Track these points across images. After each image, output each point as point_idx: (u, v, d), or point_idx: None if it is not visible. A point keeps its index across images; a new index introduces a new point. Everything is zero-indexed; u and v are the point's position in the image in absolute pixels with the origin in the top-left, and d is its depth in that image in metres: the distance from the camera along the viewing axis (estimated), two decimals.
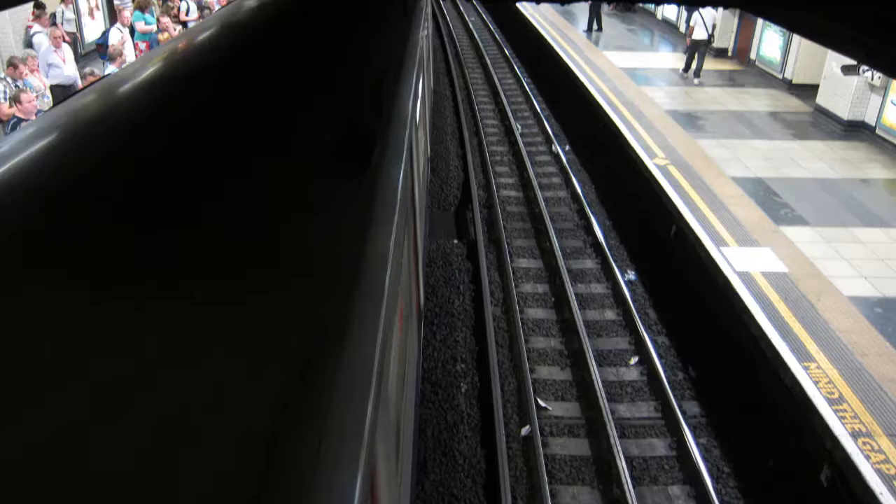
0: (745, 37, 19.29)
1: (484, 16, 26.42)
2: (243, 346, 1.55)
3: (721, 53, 19.91)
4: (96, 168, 2.29)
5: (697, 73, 17.47)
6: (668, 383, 7.19)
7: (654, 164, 11.12)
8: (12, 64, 9.54)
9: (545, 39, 19.71)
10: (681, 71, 17.85)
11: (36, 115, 8.30)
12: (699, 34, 17.13)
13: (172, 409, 1.33)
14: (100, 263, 1.74)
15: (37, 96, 9.01)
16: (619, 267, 9.40)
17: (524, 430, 6.74)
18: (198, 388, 1.41)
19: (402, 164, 2.85)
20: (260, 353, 1.55)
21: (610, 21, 23.94)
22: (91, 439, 1.24)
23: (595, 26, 22.11)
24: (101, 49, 12.01)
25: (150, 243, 1.84)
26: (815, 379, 6.36)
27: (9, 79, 9.34)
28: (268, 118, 2.88)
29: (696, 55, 17.39)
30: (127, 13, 12.76)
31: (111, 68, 10.30)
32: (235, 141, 2.59)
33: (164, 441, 1.25)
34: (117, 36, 11.78)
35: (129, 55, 11.23)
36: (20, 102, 8.39)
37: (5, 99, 8.85)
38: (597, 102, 14.26)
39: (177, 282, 1.70)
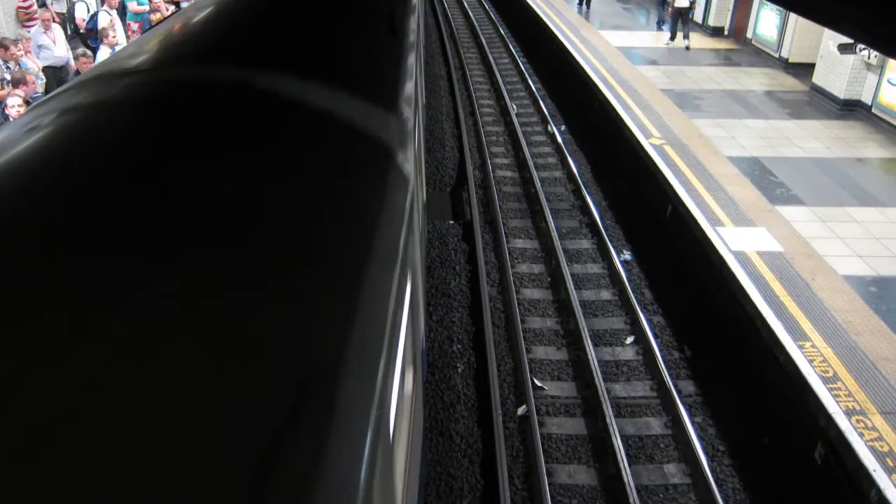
0: (741, 15, 19.21)
1: None
2: (242, 343, 1.54)
3: (717, 32, 19.83)
4: (94, 158, 2.28)
5: (686, 37, 17.68)
6: (664, 363, 7.23)
7: (649, 143, 11.11)
8: (3, 45, 9.45)
9: (541, 19, 19.60)
10: (667, 41, 17.95)
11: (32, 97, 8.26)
12: (680, 2, 17.46)
13: (165, 407, 1.33)
14: (97, 257, 1.73)
15: None
16: (614, 247, 9.42)
17: (521, 410, 6.78)
18: (195, 386, 1.41)
19: (399, 152, 2.82)
20: (260, 347, 1.55)
21: None
22: (84, 440, 1.23)
23: (584, 3, 22.04)
24: (91, 34, 11.92)
25: (144, 239, 1.83)
26: (810, 358, 6.40)
27: (0, 61, 9.27)
28: (259, 106, 2.85)
29: (681, 23, 17.63)
30: None
31: (104, 49, 10.22)
32: (228, 130, 2.56)
33: (158, 441, 1.25)
34: (106, 19, 11.69)
35: (120, 36, 11.13)
36: (25, 84, 8.33)
37: None
38: (593, 82, 14.21)
39: (172, 279, 1.69)
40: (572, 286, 8.45)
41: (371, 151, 2.65)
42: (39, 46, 10.77)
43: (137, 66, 3.26)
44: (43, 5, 12.88)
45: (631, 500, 5.69)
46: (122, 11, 12.95)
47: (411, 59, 4.14)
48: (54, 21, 11.78)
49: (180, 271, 1.69)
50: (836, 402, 5.90)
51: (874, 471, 5.27)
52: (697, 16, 20.77)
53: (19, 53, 9.53)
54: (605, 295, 8.62)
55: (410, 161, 2.69)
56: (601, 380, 6.92)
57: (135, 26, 12.76)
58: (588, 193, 10.83)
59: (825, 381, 6.13)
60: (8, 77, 8.99)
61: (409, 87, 3.61)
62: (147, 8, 13.23)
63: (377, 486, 1.45)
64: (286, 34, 4.05)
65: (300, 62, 3.48)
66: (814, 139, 12.33)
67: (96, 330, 1.52)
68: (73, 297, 1.61)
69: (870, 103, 13.73)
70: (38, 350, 1.54)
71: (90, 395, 1.33)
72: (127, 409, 1.32)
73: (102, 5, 12.44)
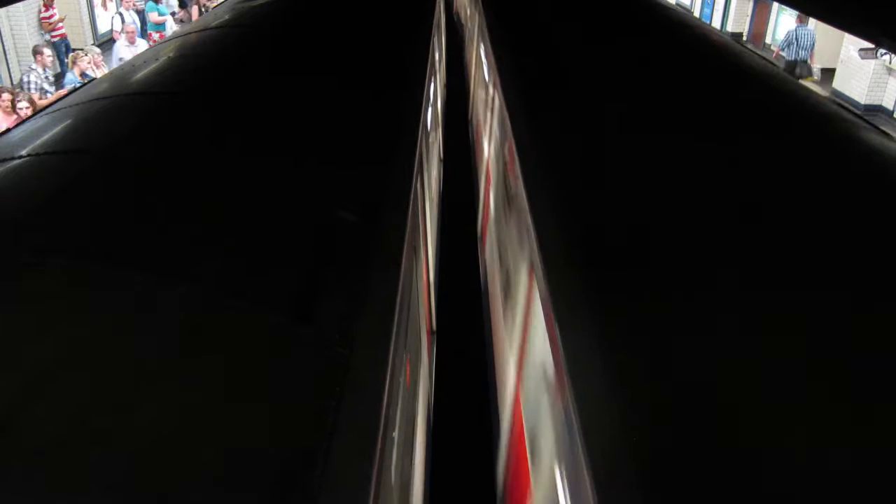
0: (760, 20, 19.10)
1: None
2: (251, 348, 1.55)
3: (736, 38, 19.74)
4: (104, 160, 2.30)
5: None
6: None
7: None
8: (38, 52, 9.58)
9: None
10: None
11: None
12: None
13: (177, 408, 1.33)
14: (102, 258, 1.74)
15: None
16: None
17: None
18: (207, 385, 1.41)
19: (413, 170, 2.79)
20: (266, 355, 1.55)
21: None
22: (98, 439, 1.24)
23: None
24: None
25: (144, 242, 1.84)
26: None
27: (39, 69, 9.33)
28: (273, 117, 2.85)
29: None
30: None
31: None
32: (238, 144, 2.56)
33: (168, 442, 1.26)
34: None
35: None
36: None
37: (36, 89, 8.87)
38: None
39: (180, 284, 1.69)
40: None
41: (373, 173, 2.64)
42: (120, 59, 10.95)
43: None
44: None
45: None
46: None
47: (426, 80, 4.11)
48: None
49: None
50: None
51: None
52: (716, 21, 20.69)
53: (86, 66, 9.67)
54: None
55: (411, 184, 2.67)
56: None
57: (156, 36, 12.95)
58: None
59: None
60: (46, 86, 9.09)
61: (423, 109, 3.58)
62: (168, 19, 13.45)
63: (384, 479, 1.45)
64: (299, 46, 4.07)
65: (311, 80, 3.48)
66: None
67: None
68: None
69: (892, 108, 13.57)
70: None
71: None
72: None
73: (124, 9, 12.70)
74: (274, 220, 2.10)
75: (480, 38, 6.77)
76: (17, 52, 13.41)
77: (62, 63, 14.45)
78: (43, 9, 13.84)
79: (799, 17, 13.18)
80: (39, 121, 2.83)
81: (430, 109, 4.53)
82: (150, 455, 1.22)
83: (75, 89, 3.48)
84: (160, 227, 1.91)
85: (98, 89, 3.17)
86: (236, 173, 2.31)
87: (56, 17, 14.09)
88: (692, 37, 4.75)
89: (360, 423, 1.42)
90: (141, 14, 16.44)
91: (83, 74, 9.46)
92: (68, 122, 2.68)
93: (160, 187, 2.14)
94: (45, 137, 2.50)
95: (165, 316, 1.57)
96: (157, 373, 1.40)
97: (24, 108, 7.68)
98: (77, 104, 2.91)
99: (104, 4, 16.59)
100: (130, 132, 2.53)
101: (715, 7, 21.09)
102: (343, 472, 1.29)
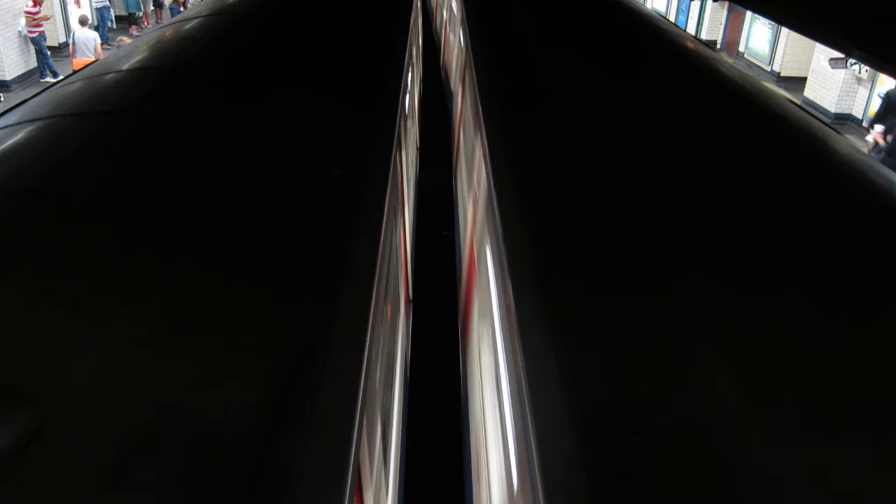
0: (733, 29, 19.35)
1: None
2: (226, 341, 1.55)
3: (710, 46, 19.97)
4: (82, 158, 2.28)
5: None
6: None
7: None
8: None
9: None
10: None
11: None
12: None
13: (151, 396, 1.33)
14: (81, 259, 1.73)
15: None
16: None
17: None
18: (185, 382, 1.42)
19: (391, 156, 2.83)
20: (242, 347, 1.56)
21: None
22: (72, 434, 1.23)
23: None
24: None
25: (133, 238, 1.84)
26: None
27: None
28: (252, 109, 2.86)
29: None
30: None
31: None
32: (219, 134, 2.57)
33: (142, 433, 1.26)
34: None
35: None
36: None
37: None
38: None
39: (163, 275, 1.69)
40: None
41: (352, 159, 2.67)
42: None
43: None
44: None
45: None
46: None
47: (403, 69, 4.13)
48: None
49: None
50: None
51: None
52: (690, 28, 20.92)
53: None
54: None
55: (389, 171, 2.70)
56: None
57: None
58: None
59: None
60: None
61: (400, 97, 3.61)
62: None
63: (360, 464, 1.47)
64: (277, 38, 4.08)
65: (289, 71, 3.50)
66: None
67: None
68: None
69: (860, 117, 13.82)
70: None
71: None
72: None
73: None
74: (253, 200, 2.12)
75: (459, 32, 6.80)
76: None
77: (43, 57, 14.31)
78: (31, 3, 13.76)
79: None
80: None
81: (406, 98, 4.54)
82: (125, 447, 1.22)
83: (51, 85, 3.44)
84: (138, 215, 1.91)
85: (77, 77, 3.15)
86: (223, 147, 2.33)
87: (41, 14, 14.03)
88: (663, 40, 4.82)
89: (337, 390, 1.44)
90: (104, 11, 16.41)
91: None
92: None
93: (137, 176, 2.14)
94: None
95: (140, 302, 1.57)
96: (131, 361, 1.40)
97: None
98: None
99: (77, 1, 16.41)
100: (114, 101, 2.53)
101: (689, 15, 21.34)
102: (319, 433, 1.32)
